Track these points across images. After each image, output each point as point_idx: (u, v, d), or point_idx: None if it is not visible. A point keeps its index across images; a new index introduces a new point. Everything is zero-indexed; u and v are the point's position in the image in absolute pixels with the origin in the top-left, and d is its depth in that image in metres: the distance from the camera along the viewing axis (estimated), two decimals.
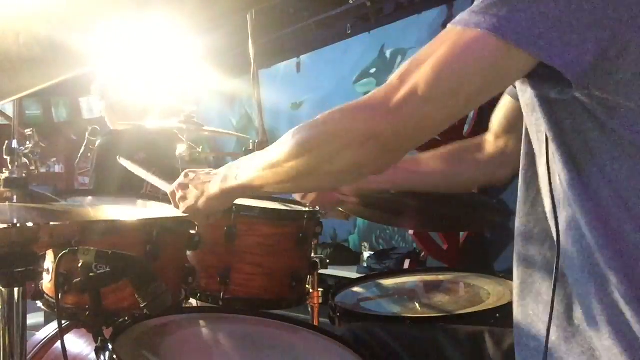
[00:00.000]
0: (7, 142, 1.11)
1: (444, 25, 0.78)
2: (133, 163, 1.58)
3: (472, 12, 0.73)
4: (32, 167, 1.11)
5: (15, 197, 1.04)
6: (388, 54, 4.55)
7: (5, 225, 0.92)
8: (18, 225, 0.91)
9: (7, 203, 1.03)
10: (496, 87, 0.78)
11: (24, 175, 1.07)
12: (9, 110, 1.68)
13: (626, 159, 0.75)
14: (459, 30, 0.74)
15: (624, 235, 0.75)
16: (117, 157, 1.64)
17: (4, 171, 1.07)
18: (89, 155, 3.13)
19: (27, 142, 1.12)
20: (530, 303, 0.87)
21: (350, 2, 4.38)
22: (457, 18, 0.75)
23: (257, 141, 2.36)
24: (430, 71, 0.73)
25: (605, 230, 0.76)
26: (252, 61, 2.53)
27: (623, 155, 0.75)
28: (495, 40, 0.71)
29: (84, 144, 3.21)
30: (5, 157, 1.10)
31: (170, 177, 2.73)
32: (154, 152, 2.74)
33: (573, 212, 0.78)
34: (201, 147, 2.44)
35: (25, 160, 1.10)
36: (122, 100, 2.88)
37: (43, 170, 5.50)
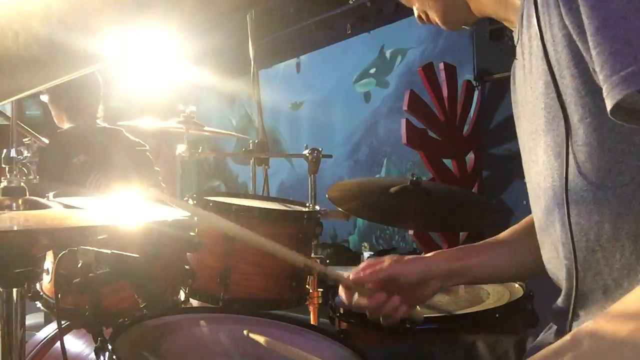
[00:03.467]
0: (5, 150, 1.11)
1: None
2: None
3: None
4: (31, 177, 1.11)
5: (14, 205, 1.05)
6: (388, 54, 4.55)
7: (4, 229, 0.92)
8: (16, 228, 0.91)
9: (6, 211, 1.03)
10: None
11: (22, 184, 1.07)
12: (10, 110, 1.68)
13: None
14: None
15: None
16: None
17: (3, 180, 1.07)
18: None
19: (25, 152, 1.12)
20: None
21: (350, 2, 4.38)
22: None
23: (257, 141, 2.36)
24: None
25: None
26: (252, 61, 2.54)
27: None
28: None
29: None
30: (3, 165, 1.10)
31: (114, 179, 2.62)
32: (95, 154, 2.63)
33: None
34: (201, 148, 2.44)
35: (24, 169, 1.10)
36: (69, 96, 2.74)
37: None
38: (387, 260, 1.14)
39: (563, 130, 0.83)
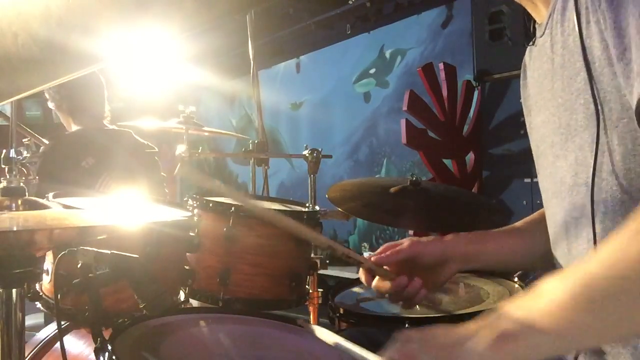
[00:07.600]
0: (4, 151, 1.11)
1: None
2: None
3: None
4: (31, 177, 1.11)
5: (14, 205, 1.05)
6: (387, 54, 4.55)
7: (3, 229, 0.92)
8: (15, 229, 0.91)
9: (5, 211, 1.03)
10: None
11: (21, 184, 1.07)
12: (10, 111, 1.68)
13: None
14: None
15: None
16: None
17: (2, 180, 1.07)
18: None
19: (25, 152, 1.12)
20: None
21: (350, 2, 4.39)
22: None
23: (256, 141, 2.36)
24: None
25: None
26: (252, 61, 2.53)
27: None
28: None
29: None
30: (3, 166, 1.10)
31: (124, 182, 2.56)
32: (102, 156, 2.58)
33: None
34: (201, 148, 2.44)
35: (24, 169, 1.10)
36: (69, 98, 2.70)
37: None
38: (406, 241, 1.16)
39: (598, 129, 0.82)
